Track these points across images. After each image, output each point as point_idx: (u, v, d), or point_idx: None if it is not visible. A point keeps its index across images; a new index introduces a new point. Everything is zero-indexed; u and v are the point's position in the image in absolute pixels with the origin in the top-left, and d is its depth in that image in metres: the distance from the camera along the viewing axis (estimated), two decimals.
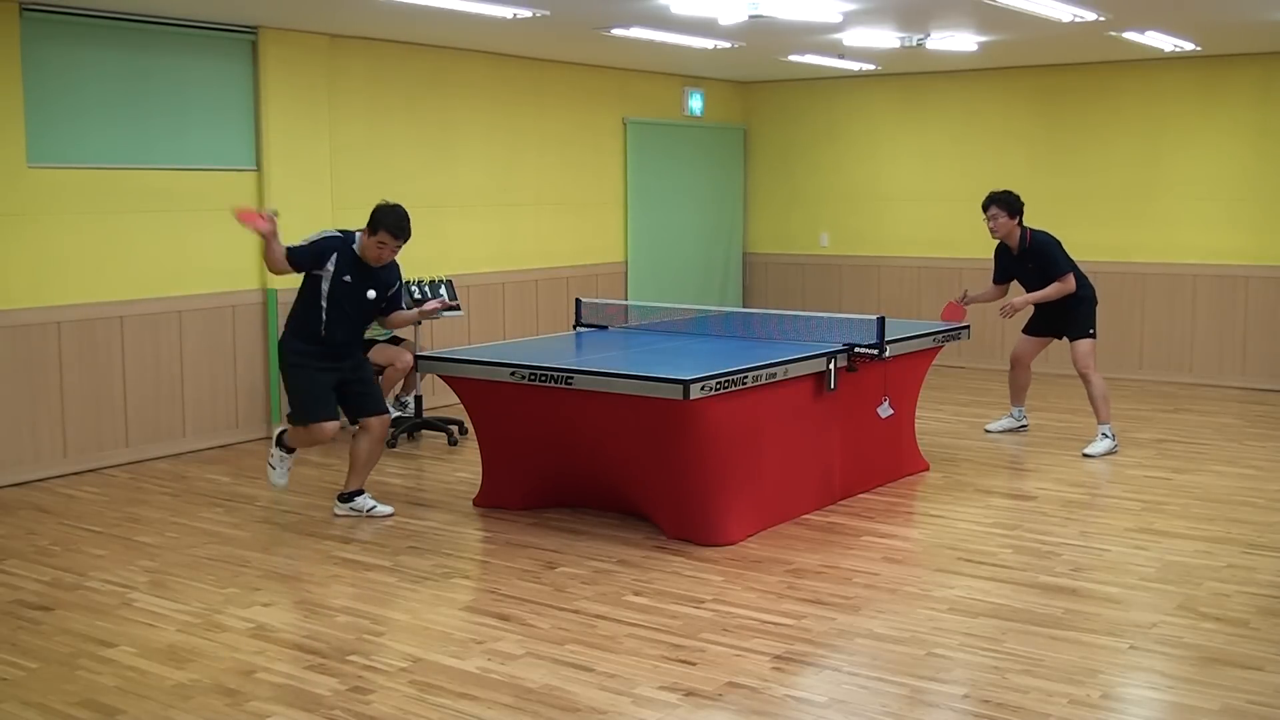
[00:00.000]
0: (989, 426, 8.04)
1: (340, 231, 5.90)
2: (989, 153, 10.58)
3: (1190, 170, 9.84)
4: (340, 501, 6.12)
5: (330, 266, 5.78)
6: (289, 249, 5.75)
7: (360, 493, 6.09)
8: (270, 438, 7.89)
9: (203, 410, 7.64)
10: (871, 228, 11.24)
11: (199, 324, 7.59)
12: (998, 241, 7.62)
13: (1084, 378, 7.42)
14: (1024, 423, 8.03)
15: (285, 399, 7.75)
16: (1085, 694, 3.93)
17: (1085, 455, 7.29)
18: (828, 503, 6.22)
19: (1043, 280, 7.46)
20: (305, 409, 5.87)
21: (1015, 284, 7.73)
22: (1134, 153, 10.03)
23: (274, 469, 6.15)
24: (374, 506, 6.07)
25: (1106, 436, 7.40)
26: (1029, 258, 7.49)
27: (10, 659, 4.28)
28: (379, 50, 8.44)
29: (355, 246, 5.82)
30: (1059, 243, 7.51)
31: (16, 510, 6.25)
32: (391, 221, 5.73)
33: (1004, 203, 7.41)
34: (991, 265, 7.80)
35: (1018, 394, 7.98)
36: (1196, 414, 8.68)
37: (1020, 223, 7.46)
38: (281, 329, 6.12)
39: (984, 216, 7.48)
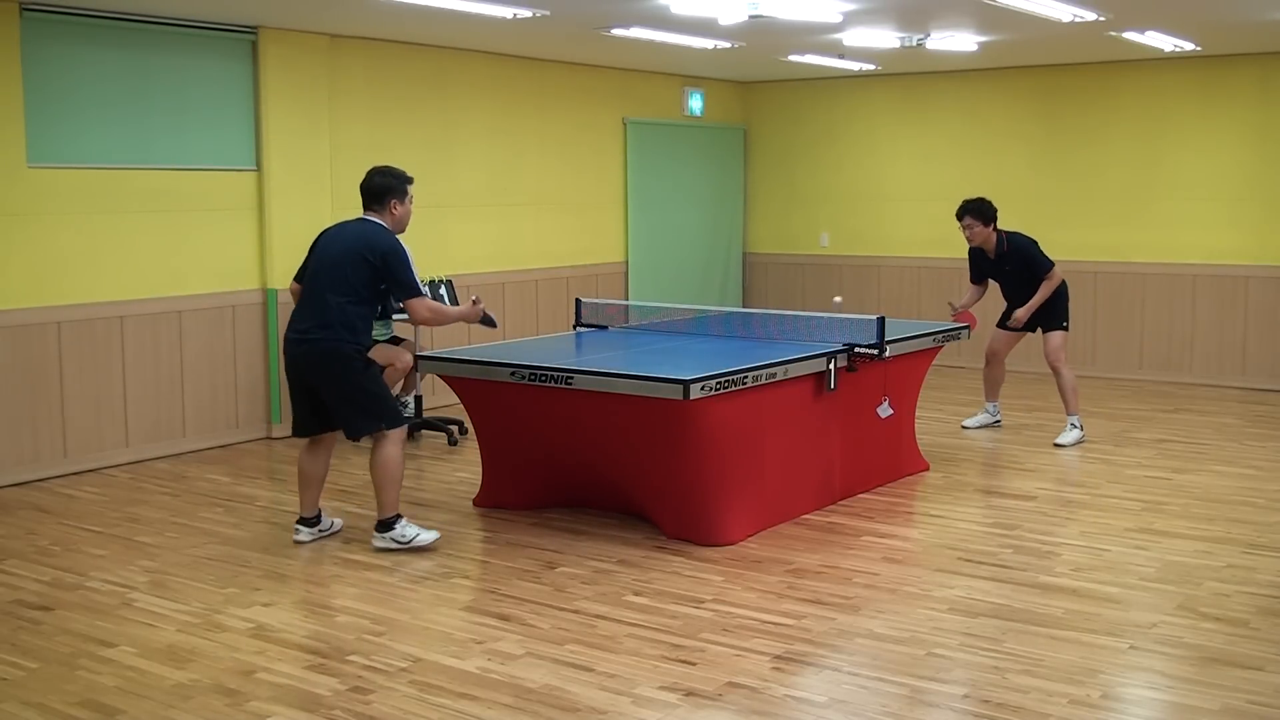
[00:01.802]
0: (965, 423, 8.12)
1: (384, 224, 5.49)
2: (989, 153, 10.58)
3: (1190, 170, 9.83)
4: (304, 526, 5.67)
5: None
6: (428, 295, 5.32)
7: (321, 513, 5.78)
8: (267, 436, 7.94)
9: (203, 410, 7.64)
10: (871, 228, 11.23)
11: (199, 324, 7.59)
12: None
13: (1055, 370, 7.67)
14: (998, 418, 8.17)
15: (285, 409, 7.81)
16: (1085, 694, 3.93)
17: (1056, 445, 7.55)
18: (828, 503, 6.22)
19: (1023, 280, 7.68)
20: (395, 410, 5.49)
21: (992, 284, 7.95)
22: (1134, 153, 10.02)
23: (416, 534, 5.47)
24: (332, 524, 5.80)
25: (1075, 427, 7.68)
26: (1007, 260, 7.69)
27: (10, 659, 4.28)
28: (379, 50, 8.44)
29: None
30: (1036, 243, 7.71)
31: (16, 510, 6.25)
32: (407, 176, 5.54)
33: (977, 212, 7.60)
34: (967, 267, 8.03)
35: (992, 389, 8.14)
36: (1196, 414, 8.67)
37: (995, 228, 7.64)
38: (287, 330, 5.58)
39: (959, 226, 7.66)
